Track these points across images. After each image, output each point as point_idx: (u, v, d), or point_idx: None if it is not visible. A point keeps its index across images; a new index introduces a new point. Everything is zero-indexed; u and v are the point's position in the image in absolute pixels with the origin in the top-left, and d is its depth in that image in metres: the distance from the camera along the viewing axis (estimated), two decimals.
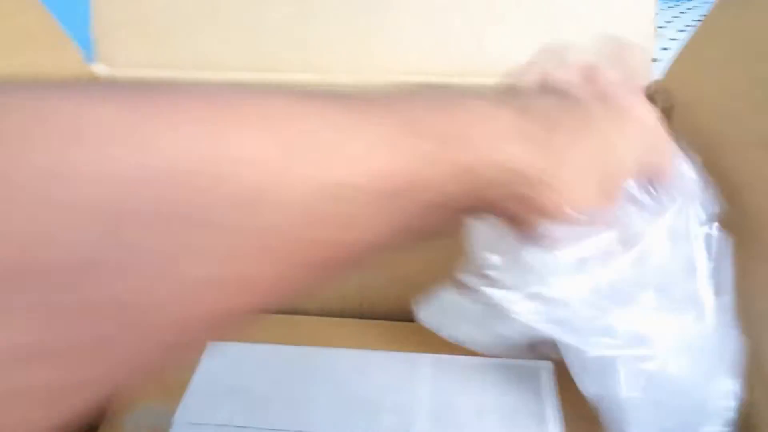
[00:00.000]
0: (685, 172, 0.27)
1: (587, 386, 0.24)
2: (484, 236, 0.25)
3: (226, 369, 0.34)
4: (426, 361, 0.34)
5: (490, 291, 0.23)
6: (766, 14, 0.32)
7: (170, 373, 0.33)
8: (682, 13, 0.88)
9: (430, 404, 0.32)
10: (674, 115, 0.39)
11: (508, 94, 0.22)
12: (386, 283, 0.37)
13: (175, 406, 0.32)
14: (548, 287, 0.23)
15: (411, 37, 0.41)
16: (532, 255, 0.22)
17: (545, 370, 0.33)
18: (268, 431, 0.31)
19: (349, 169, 0.16)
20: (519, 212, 0.21)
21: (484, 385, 0.33)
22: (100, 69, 0.42)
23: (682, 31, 0.80)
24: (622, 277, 0.24)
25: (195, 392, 0.33)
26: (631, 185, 0.24)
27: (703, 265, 0.25)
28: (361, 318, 0.38)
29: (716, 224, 0.26)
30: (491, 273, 0.23)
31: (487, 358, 0.34)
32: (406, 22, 0.41)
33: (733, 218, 0.31)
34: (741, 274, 0.31)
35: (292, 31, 0.41)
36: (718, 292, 0.25)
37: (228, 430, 0.31)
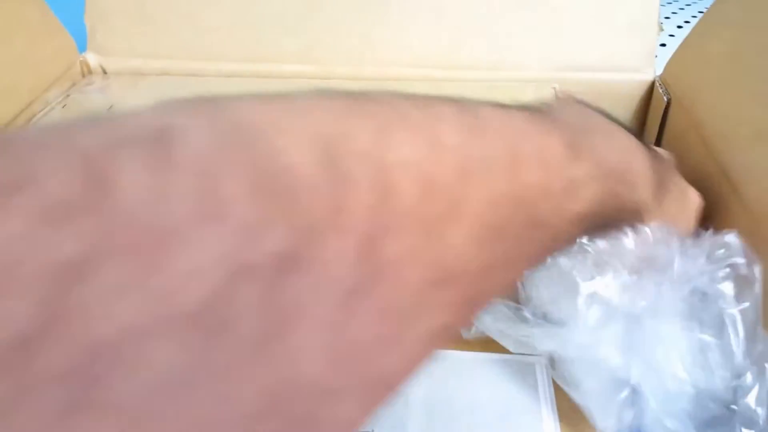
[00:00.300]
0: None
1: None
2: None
3: None
4: None
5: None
6: (765, 11, 0.32)
7: None
8: (681, 9, 0.88)
9: (424, 398, 0.32)
10: (672, 109, 0.39)
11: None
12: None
13: None
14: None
15: (412, 30, 0.41)
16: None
17: (541, 364, 0.33)
18: None
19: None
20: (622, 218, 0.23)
21: (479, 380, 0.32)
22: (92, 58, 0.42)
23: (680, 27, 0.80)
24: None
25: None
26: None
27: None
28: None
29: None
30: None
31: (482, 353, 0.34)
32: (408, 15, 0.40)
33: (733, 212, 0.31)
34: None
35: (293, 22, 0.40)
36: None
37: None
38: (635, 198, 0.22)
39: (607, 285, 0.26)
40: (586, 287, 0.26)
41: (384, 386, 0.14)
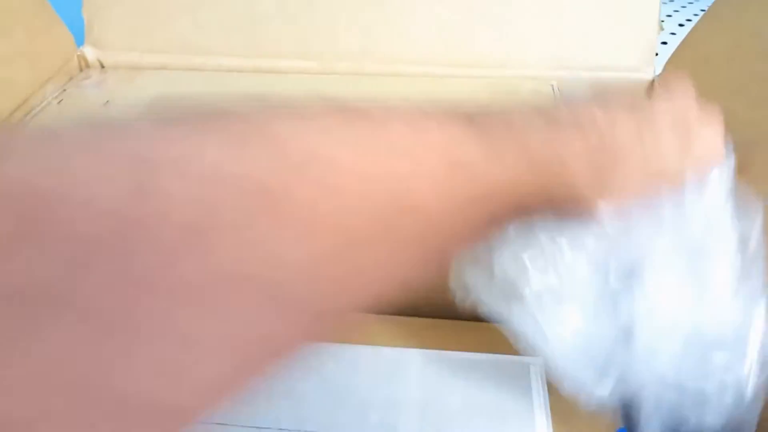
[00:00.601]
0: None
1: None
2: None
3: None
4: (414, 356, 0.34)
5: None
6: (765, 12, 0.32)
7: None
8: (683, 6, 0.87)
9: (418, 400, 0.32)
10: None
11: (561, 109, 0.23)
12: None
13: None
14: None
15: (412, 27, 0.40)
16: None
17: (535, 366, 0.33)
18: (257, 428, 0.31)
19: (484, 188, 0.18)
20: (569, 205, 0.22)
21: (472, 381, 0.32)
22: (90, 52, 0.41)
23: (682, 25, 0.80)
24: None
25: None
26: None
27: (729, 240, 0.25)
28: None
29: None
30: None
31: (476, 354, 0.34)
32: (408, 11, 0.40)
33: None
34: None
35: (291, 18, 0.40)
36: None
37: (215, 427, 0.31)
38: (570, 189, 0.22)
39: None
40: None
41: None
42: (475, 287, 0.24)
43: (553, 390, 0.31)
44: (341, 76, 0.40)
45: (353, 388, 0.32)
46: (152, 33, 0.41)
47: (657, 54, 0.41)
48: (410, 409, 0.31)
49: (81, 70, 0.41)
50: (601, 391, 0.24)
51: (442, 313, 0.33)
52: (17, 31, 0.36)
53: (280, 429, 0.31)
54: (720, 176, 0.26)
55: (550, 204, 0.22)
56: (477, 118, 0.19)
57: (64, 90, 0.37)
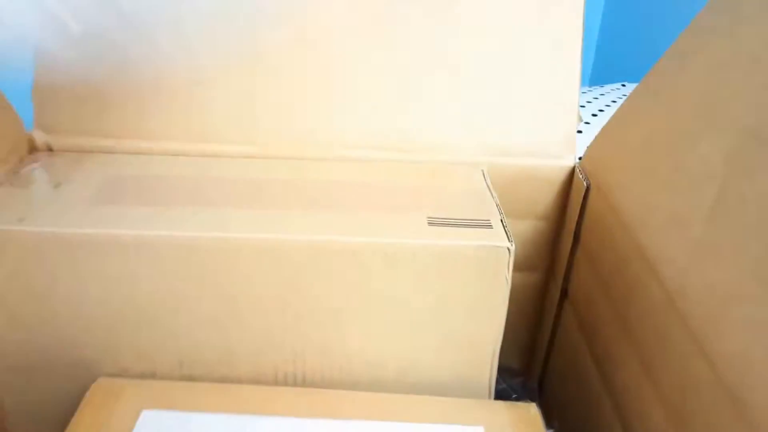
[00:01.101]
0: None
1: None
2: None
3: None
4: (359, 427, 0.35)
5: None
6: (681, 102, 0.35)
7: None
8: (595, 98, 0.94)
9: None
10: (591, 195, 0.42)
11: None
12: (321, 350, 0.37)
13: None
14: None
15: (351, 114, 0.43)
16: None
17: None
18: None
19: None
20: None
21: None
22: (38, 135, 0.42)
23: (595, 115, 0.86)
24: None
25: None
26: None
27: None
28: (294, 386, 0.38)
29: None
30: None
31: (420, 424, 0.35)
32: (347, 101, 0.42)
33: (650, 290, 0.33)
34: (666, 356, 0.33)
35: (238, 105, 0.42)
36: None
37: None
38: None
39: None
40: None
41: None
42: None
43: None
44: (284, 160, 0.42)
45: None
46: (100, 117, 0.42)
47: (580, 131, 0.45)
48: None
49: (30, 152, 0.41)
50: None
51: None
52: None
53: None
54: None
55: None
56: None
57: (16, 173, 0.38)
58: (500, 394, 0.53)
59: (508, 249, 0.34)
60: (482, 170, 0.43)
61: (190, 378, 0.38)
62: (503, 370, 0.54)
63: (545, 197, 0.45)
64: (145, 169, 0.40)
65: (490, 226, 0.36)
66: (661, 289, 0.33)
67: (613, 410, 0.39)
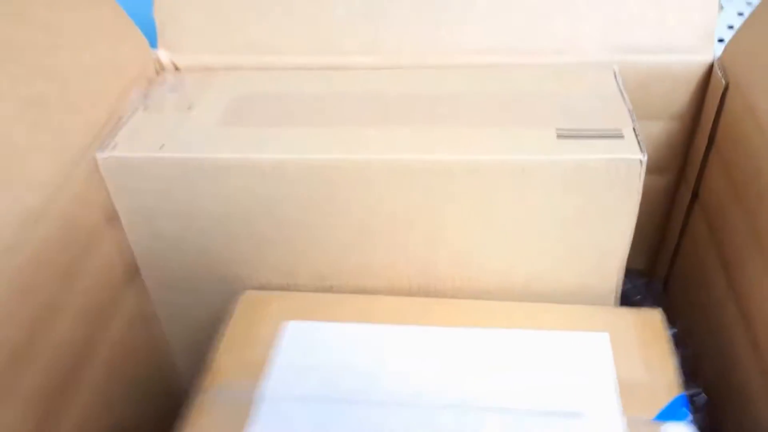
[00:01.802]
0: None
1: None
2: None
3: (304, 346, 0.36)
4: (488, 334, 0.36)
5: None
6: None
7: (250, 351, 0.35)
8: None
9: (494, 374, 0.34)
10: (729, 93, 0.39)
11: None
12: (451, 263, 0.38)
13: (258, 382, 0.34)
14: None
15: (470, 17, 0.41)
16: None
17: (602, 338, 0.35)
18: (345, 402, 0.33)
19: None
20: None
21: (545, 354, 0.35)
22: (163, 55, 0.43)
23: (750, 3, 0.78)
24: None
25: (276, 369, 0.35)
26: None
27: None
28: (427, 296, 0.39)
29: None
30: None
31: (545, 331, 0.36)
32: (468, 3, 0.41)
33: None
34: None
35: (359, 15, 0.41)
36: None
37: (309, 402, 0.33)
38: None
39: None
40: None
41: None
42: None
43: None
44: (408, 70, 0.41)
45: (431, 370, 0.35)
46: (223, 33, 0.43)
47: (723, 39, 0.41)
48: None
49: (157, 73, 0.43)
50: None
51: None
52: (100, 41, 0.38)
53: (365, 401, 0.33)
54: None
55: None
56: None
57: (148, 96, 0.39)
58: (624, 295, 0.53)
59: (640, 161, 0.33)
60: (613, 70, 0.41)
61: (330, 289, 0.40)
62: (628, 271, 0.54)
63: (680, 96, 0.43)
64: (272, 86, 0.41)
65: (621, 136, 0.34)
66: None
67: (738, 315, 0.38)
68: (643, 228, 0.50)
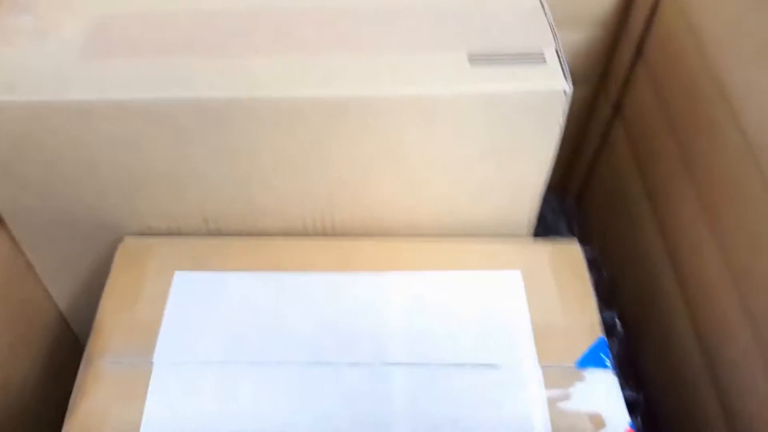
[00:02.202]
0: None
1: None
2: None
3: (196, 301, 0.33)
4: (396, 279, 0.34)
5: None
6: None
7: (139, 308, 0.32)
8: None
9: (404, 324, 0.32)
10: (663, 3, 0.36)
11: None
12: (351, 201, 0.34)
13: (152, 345, 0.31)
14: None
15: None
16: None
17: (515, 277, 0.33)
18: (248, 364, 0.31)
19: None
20: None
21: (456, 299, 0.33)
22: None
23: None
24: None
25: (169, 330, 0.32)
26: None
27: None
28: (324, 236, 0.36)
29: None
30: None
31: (457, 271, 0.34)
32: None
33: (729, 139, 0.29)
34: (734, 200, 0.30)
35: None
36: None
37: (209, 366, 0.31)
38: None
39: None
40: None
41: None
42: None
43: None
44: None
45: (339, 317, 0.32)
46: None
47: None
48: (397, 334, 0.32)
49: None
50: None
51: None
52: None
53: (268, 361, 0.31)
54: None
55: None
56: None
57: None
58: None
59: (564, 92, 0.30)
60: None
61: (218, 232, 0.36)
62: None
63: (604, 4, 0.39)
64: (134, 4, 0.34)
65: (543, 60, 0.31)
66: (742, 137, 0.28)
67: (662, 245, 0.37)
68: None
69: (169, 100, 0.29)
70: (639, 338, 0.40)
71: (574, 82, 0.43)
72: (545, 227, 0.51)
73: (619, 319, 0.40)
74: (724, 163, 0.30)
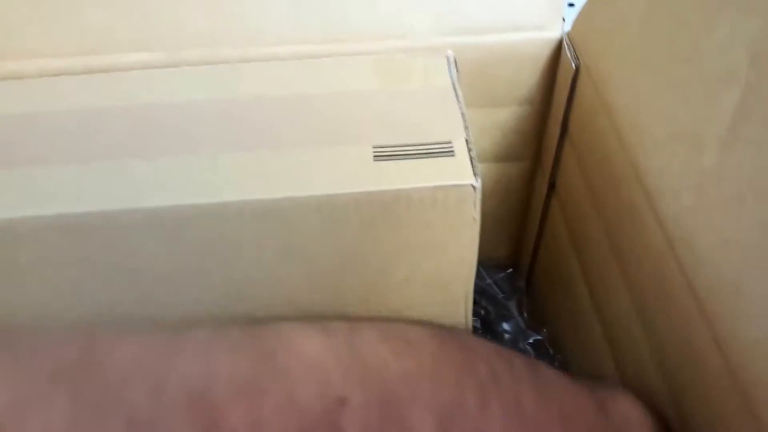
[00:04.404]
0: None
1: None
2: None
3: None
4: None
5: None
6: None
7: None
8: None
9: None
10: (580, 80, 0.36)
11: None
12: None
13: None
14: None
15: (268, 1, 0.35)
16: None
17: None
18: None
19: None
20: None
21: None
22: None
23: None
24: None
25: None
26: None
27: None
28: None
29: None
30: None
31: None
32: None
33: (647, 226, 0.29)
34: (659, 299, 0.29)
35: (122, 3, 0.34)
36: None
37: None
38: None
39: None
40: None
41: None
42: None
43: None
44: (193, 67, 0.35)
45: None
46: None
47: (572, 4, 0.37)
48: None
49: None
50: None
51: None
52: None
53: None
54: None
55: None
56: None
57: None
58: (485, 291, 0.50)
59: (473, 187, 0.29)
60: (447, 57, 0.36)
61: None
62: (489, 263, 0.51)
63: (528, 78, 0.39)
64: (14, 102, 0.33)
65: (451, 152, 0.30)
66: (659, 227, 0.28)
67: (603, 335, 0.36)
68: (502, 217, 0.48)
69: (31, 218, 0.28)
70: None
71: (510, 159, 0.43)
72: (497, 308, 0.51)
73: None
74: (647, 255, 0.29)
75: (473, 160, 0.30)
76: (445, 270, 0.32)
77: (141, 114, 0.32)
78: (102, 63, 0.35)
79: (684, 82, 0.27)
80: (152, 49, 0.35)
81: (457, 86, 0.34)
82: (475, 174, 0.29)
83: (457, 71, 0.35)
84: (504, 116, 0.40)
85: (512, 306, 0.51)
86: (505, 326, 0.47)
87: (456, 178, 0.29)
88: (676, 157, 0.27)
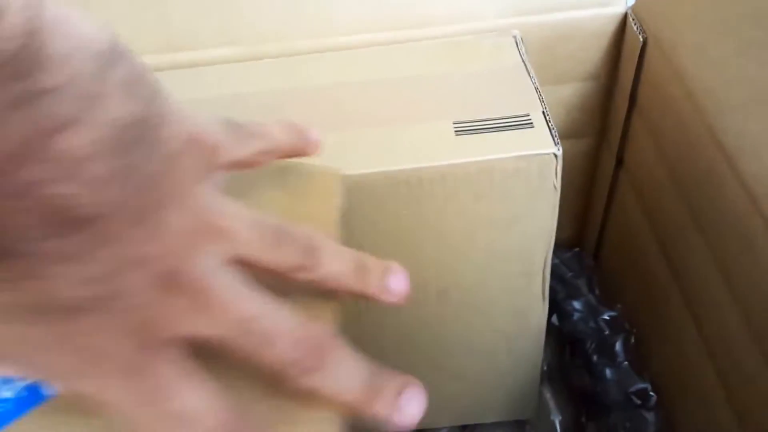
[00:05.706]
0: None
1: None
2: None
3: None
4: None
5: None
6: None
7: None
8: None
9: None
10: (648, 51, 0.37)
11: None
12: None
13: None
14: None
15: None
16: None
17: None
18: None
19: None
20: None
21: None
22: None
23: None
24: None
25: None
26: None
27: None
28: None
29: None
30: None
31: None
32: None
33: (729, 189, 0.30)
34: (744, 255, 0.30)
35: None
36: None
37: None
38: None
39: None
40: None
41: None
42: None
43: None
44: (267, 63, 0.37)
45: None
46: None
47: None
48: None
49: None
50: None
51: None
52: None
53: None
54: None
55: None
56: None
57: None
58: (553, 272, 0.51)
59: (555, 155, 0.31)
60: (514, 36, 0.38)
61: None
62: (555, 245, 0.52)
63: (593, 54, 0.40)
64: None
65: (530, 124, 0.32)
66: (741, 187, 0.29)
67: (683, 303, 0.37)
68: (566, 195, 0.49)
69: None
70: (671, 408, 0.40)
71: (574, 136, 0.45)
72: (565, 287, 0.52)
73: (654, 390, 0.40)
74: (729, 214, 0.30)
75: (552, 131, 0.31)
76: (525, 241, 0.34)
77: (228, 104, 0.35)
78: (184, 59, 0.37)
79: (761, 44, 0.28)
80: (233, 44, 0.37)
81: (527, 63, 0.35)
82: (555, 143, 0.31)
83: (524, 51, 0.37)
84: (568, 93, 0.42)
85: (582, 284, 0.51)
86: (576, 305, 0.48)
87: (538, 148, 0.31)
88: (754, 118, 0.29)
